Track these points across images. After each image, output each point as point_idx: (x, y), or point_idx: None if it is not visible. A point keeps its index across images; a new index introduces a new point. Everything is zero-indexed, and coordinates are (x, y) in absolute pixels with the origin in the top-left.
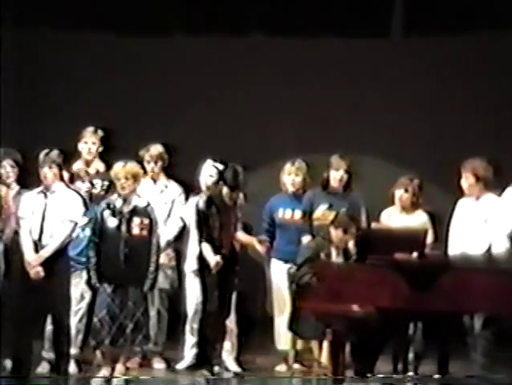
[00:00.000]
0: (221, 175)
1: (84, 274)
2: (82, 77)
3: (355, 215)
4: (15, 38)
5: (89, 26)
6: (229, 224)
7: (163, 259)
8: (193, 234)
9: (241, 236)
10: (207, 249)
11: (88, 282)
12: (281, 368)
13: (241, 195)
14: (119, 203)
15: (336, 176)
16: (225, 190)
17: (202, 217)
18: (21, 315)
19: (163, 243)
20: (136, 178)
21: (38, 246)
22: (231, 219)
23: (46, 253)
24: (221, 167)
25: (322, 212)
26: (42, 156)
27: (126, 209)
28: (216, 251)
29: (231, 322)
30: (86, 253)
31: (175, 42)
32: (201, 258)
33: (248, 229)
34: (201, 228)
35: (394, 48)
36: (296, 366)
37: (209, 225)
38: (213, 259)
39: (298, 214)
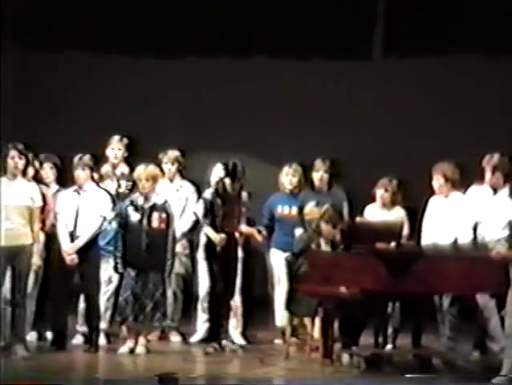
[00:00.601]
0: (224, 171)
1: (112, 261)
2: (110, 95)
3: (341, 211)
4: (53, 57)
5: (115, 48)
6: (233, 216)
7: (178, 248)
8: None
9: (244, 228)
10: (210, 231)
11: (115, 268)
12: (278, 341)
13: (245, 193)
14: (141, 200)
15: (317, 177)
16: (227, 181)
17: (208, 207)
18: (59, 295)
19: (178, 234)
20: (155, 179)
21: (73, 237)
22: (234, 211)
23: (79, 242)
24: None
25: (310, 209)
26: (76, 159)
27: (147, 206)
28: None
29: (236, 302)
30: (113, 242)
31: (189, 62)
32: (211, 247)
33: (251, 223)
34: (207, 216)
35: (375, 67)
36: (292, 339)
37: (214, 214)
38: (217, 236)
39: (294, 210)
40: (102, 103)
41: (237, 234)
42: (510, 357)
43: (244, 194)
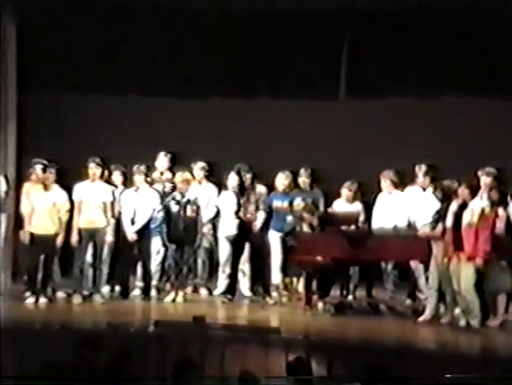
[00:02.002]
0: (237, 175)
1: (159, 238)
2: (160, 124)
3: (317, 204)
4: (117, 100)
5: (162, 93)
6: (248, 202)
7: (205, 230)
8: (225, 214)
9: (255, 211)
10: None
11: (163, 243)
12: (275, 294)
13: (263, 188)
14: (179, 197)
15: (302, 180)
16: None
17: (237, 198)
18: (124, 261)
19: (205, 220)
20: (188, 182)
21: (133, 222)
22: (250, 199)
23: (137, 226)
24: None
25: (298, 203)
26: (135, 168)
27: (183, 200)
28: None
29: (244, 265)
30: (160, 226)
31: (213, 102)
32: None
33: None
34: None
35: (341, 106)
36: (284, 292)
37: (239, 203)
38: (231, 217)
39: (285, 204)
40: (153, 129)
41: (249, 215)
42: (431, 303)
43: (262, 188)
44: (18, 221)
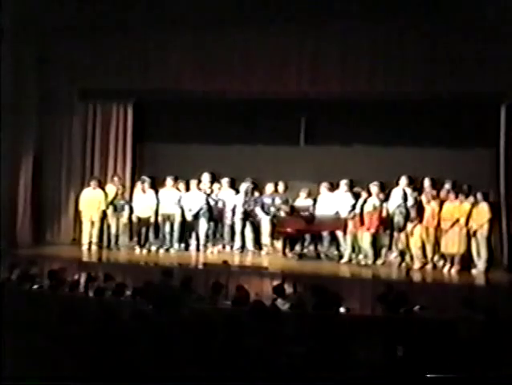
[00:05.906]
0: (247, 184)
1: (204, 219)
2: (205, 160)
3: (288, 201)
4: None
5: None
6: (250, 200)
7: (228, 215)
8: (238, 207)
9: (257, 208)
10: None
11: (206, 222)
12: (265, 248)
13: (257, 193)
14: (214, 197)
15: (279, 188)
16: (249, 188)
17: (244, 198)
18: (186, 231)
19: (228, 210)
20: (219, 189)
21: (190, 210)
22: (251, 199)
23: (192, 212)
24: (247, 184)
25: (277, 201)
26: (191, 181)
27: (216, 199)
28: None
29: (249, 233)
30: (204, 213)
31: (233, 148)
32: (244, 214)
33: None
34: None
35: (301, 149)
36: (270, 247)
37: (246, 200)
38: (241, 208)
39: (269, 201)
40: (202, 161)
41: (250, 207)
42: (347, 252)
43: (256, 193)
44: (131, 209)
